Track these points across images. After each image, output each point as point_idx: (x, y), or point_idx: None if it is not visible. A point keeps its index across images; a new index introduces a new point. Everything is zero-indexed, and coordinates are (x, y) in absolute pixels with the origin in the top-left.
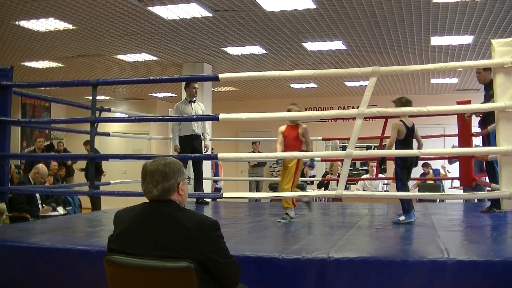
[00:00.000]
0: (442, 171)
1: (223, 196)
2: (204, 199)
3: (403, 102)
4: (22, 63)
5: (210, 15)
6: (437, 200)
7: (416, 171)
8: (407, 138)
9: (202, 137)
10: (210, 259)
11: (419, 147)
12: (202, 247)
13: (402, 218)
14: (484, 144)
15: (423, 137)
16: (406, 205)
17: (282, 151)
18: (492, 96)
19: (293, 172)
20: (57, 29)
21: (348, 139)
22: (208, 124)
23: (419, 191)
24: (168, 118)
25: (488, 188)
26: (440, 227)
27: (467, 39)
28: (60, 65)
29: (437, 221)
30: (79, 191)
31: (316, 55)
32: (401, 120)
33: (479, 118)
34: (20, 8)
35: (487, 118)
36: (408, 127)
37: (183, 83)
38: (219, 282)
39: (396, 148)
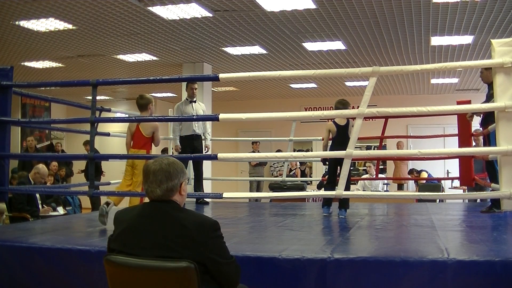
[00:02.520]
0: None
1: (223, 196)
2: (204, 199)
3: (344, 103)
4: (22, 63)
5: (210, 15)
6: (437, 200)
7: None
8: (338, 136)
9: (203, 137)
10: (210, 259)
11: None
12: (202, 247)
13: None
14: (484, 144)
15: (423, 137)
16: (325, 201)
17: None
18: (493, 96)
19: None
20: (57, 29)
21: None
22: (209, 124)
23: (419, 191)
24: (168, 118)
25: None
26: (440, 227)
27: (467, 39)
28: (60, 65)
29: (437, 221)
30: (79, 191)
31: (316, 55)
32: (333, 121)
33: (479, 118)
34: (20, 8)
35: (488, 118)
36: (340, 126)
37: (184, 83)
38: (219, 282)
39: (330, 147)
